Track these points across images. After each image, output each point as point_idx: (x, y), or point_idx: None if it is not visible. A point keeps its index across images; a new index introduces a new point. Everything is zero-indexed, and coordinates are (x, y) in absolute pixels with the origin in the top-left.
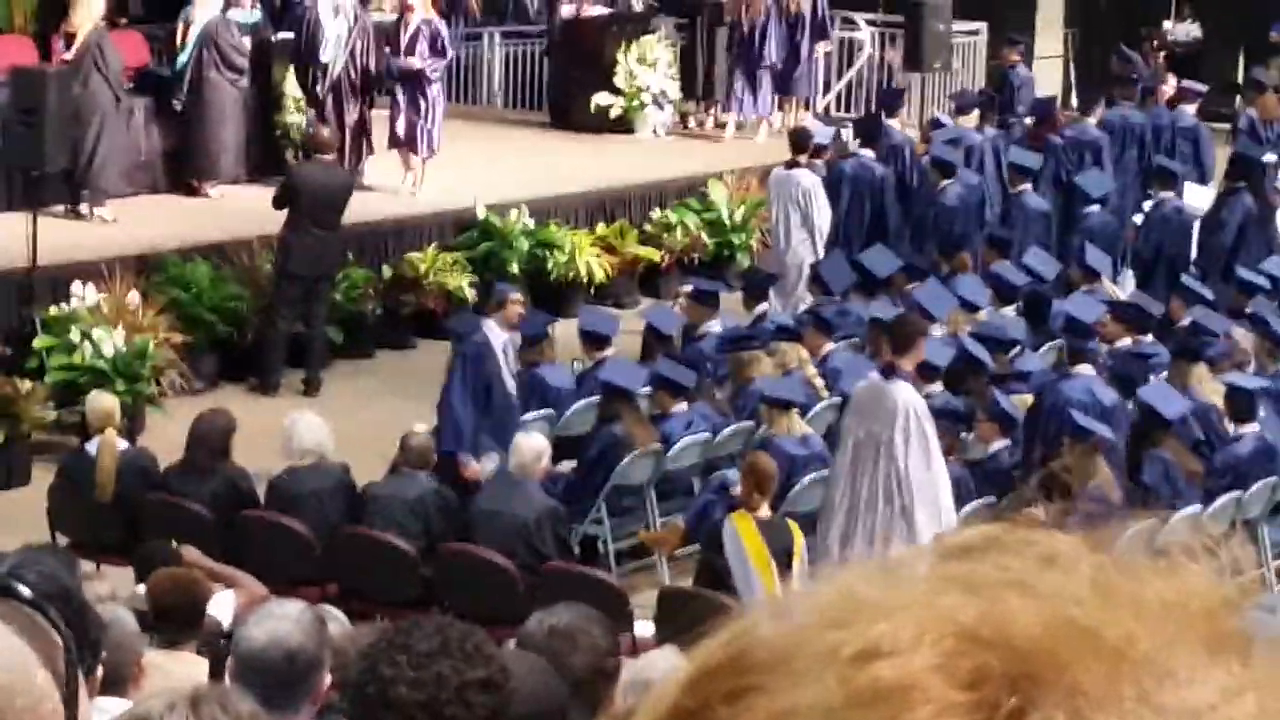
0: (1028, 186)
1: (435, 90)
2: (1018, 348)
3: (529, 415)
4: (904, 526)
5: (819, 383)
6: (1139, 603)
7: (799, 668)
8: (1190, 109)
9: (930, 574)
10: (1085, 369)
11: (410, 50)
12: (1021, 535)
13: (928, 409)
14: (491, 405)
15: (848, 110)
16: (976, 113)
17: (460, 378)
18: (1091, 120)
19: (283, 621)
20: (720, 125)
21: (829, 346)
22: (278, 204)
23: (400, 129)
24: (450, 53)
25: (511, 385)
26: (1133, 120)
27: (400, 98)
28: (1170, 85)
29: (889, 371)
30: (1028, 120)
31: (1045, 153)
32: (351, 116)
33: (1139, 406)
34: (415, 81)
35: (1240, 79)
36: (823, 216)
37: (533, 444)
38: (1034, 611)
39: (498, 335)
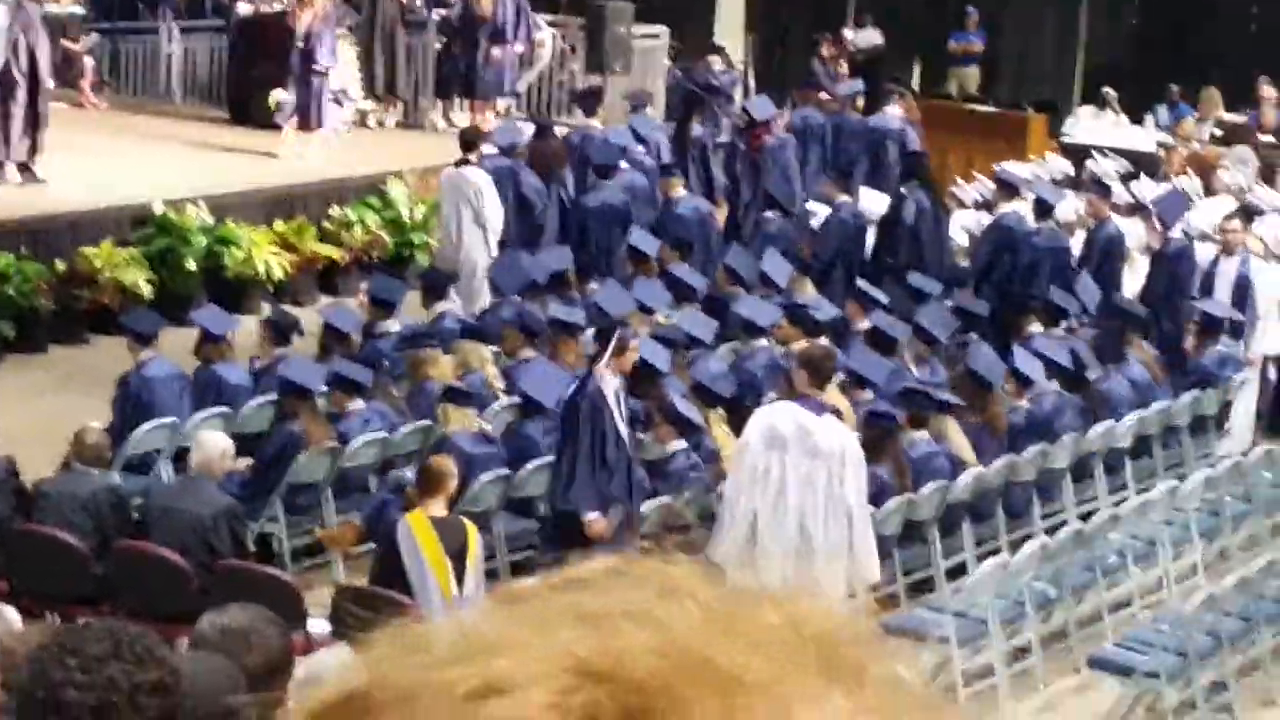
0: (681, 191)
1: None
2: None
3: (203, 413)
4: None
5: (499, 383)
6: (754, 632)
7: (417, 706)
8: (896, 111)
9: (550, 608)
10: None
11: None
12: (640, 566)
13: (859, 450)
14: (605, 457)
15: (536, 110)
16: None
17: (574, 431)
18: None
19: None
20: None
21: (528, 352)
22: None
23: None
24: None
25: (625, 434)
26: (817, 122)
27: None
28: (847, 87)
29: (818, 407)
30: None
31: (760, 155)
32: (17, 110)
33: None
34: None
35: (917, 87)
36: (494, 215)
37: (217, 442)
38: (650, 644)
39: (610, 384)
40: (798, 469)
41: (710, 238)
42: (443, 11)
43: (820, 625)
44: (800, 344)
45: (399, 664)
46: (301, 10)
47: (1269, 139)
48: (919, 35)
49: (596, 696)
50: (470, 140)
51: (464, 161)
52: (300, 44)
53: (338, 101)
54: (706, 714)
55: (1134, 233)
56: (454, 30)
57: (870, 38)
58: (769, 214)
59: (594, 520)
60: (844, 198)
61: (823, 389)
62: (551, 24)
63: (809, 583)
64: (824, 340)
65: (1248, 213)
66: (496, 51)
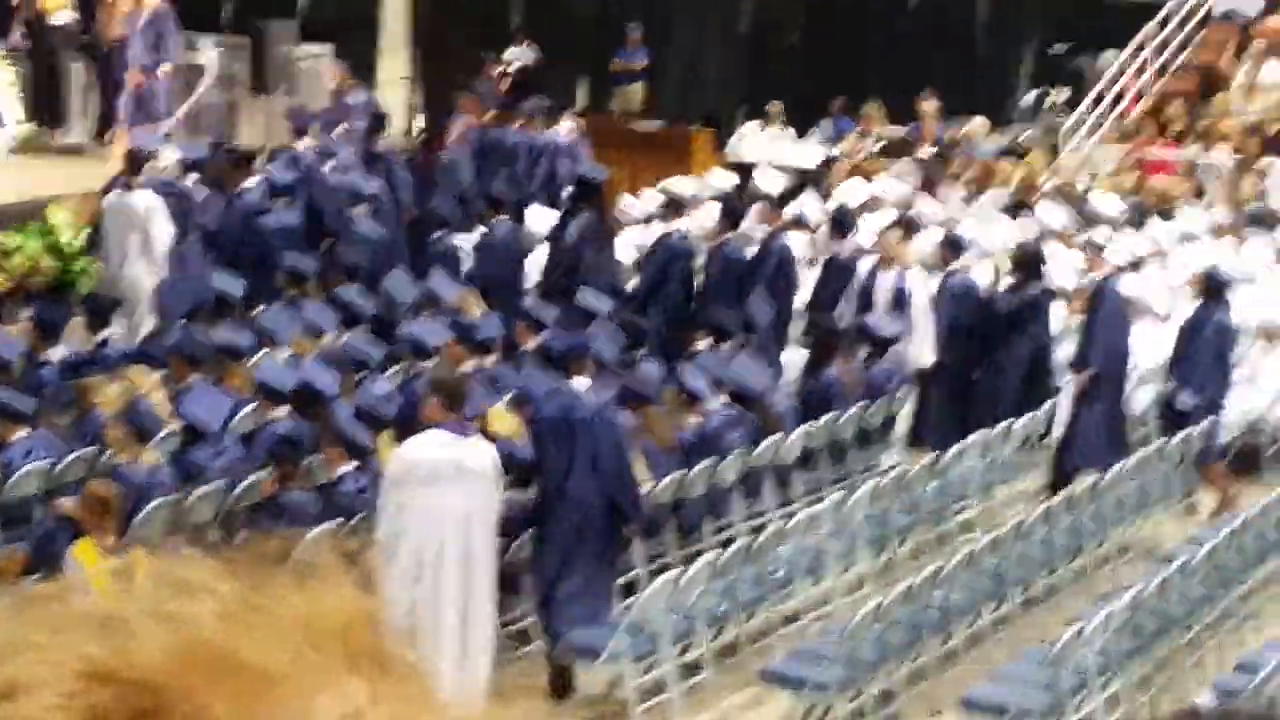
0: (361, 210)
1: None
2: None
3: None
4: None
5: (166, 408)
6: (276, 625)
7: None
8: (566, 126)
9: (65, 611)
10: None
11: None
12: (157, 565)
13: (499, 466)
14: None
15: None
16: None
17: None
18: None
19: None
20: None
21: (193, 377)
22: None
23: None
24: None
25: None
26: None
27: None
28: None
29: (460, 429)
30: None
31: (432, 170)
32: None
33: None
34: None
35: (587, 104)
36: (161, 239)
37: None
38: (164, 642)
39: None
40: (454, 497)
41: (378, 258)
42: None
43: (344, 617)
44: (469, 364)
45: None
46: None
47: (930, 152)
48: (583, 53)
49: (103, 698)
50: (136, 163)
51: (129, 185)
52: None
53: None
54: (224, 707)
55: (798, 246)
56: (100, 53)
57: (523, 54)
58: (438, 233)
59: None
60: (501, 217)
61: (458, 412)
62: (216, 45)
63: (478, 609)
64: (492, 359)
65: (910, 225)
66: (138, 75)
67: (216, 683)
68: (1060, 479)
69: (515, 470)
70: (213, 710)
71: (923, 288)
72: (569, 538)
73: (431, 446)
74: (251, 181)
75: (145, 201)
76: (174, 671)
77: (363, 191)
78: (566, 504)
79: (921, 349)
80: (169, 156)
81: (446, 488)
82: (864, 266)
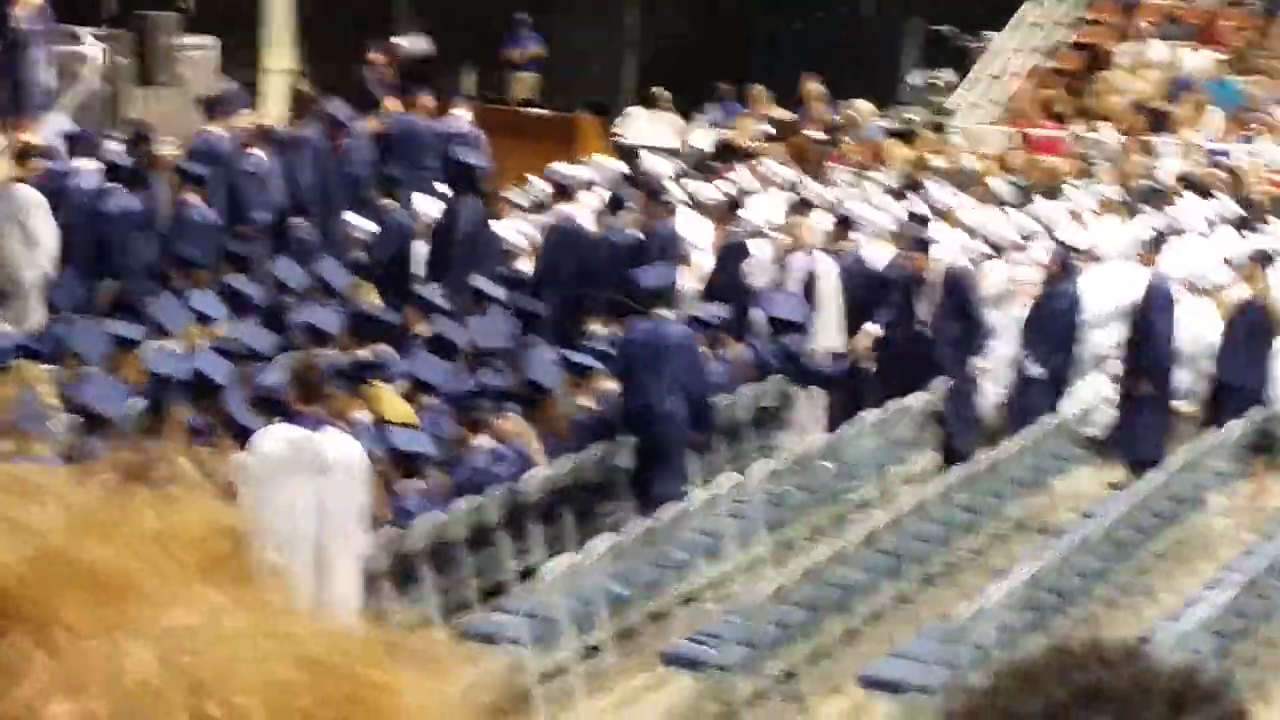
0: (196, 198)
1: None
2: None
3: None
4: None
5: (53, 401)
6: (127, 531)
7: None
8: (464, 114)
9: None
10: None
11: None
12: (4, 470)
13: (365, 458)
14: None
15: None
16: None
17: None
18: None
19: None
20: None
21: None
22: None
23: None
24: None
25: None
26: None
27: None
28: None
29: (314, 423)
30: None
31: (343, 158)
32: None
33: None
34: None
35: (475, 92)
36: (45, 233)
37: None
38: (9, 546)
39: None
40: (308, 490)
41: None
42: None
43: (203, 528)
44: (361, 351)
45: None
46: None
47: (819, 134)
48: (469, 42)
49: None
50: (22, 156)
51: (18, 179)
52: None
53: None
54: (74, 613)
55: (689, 230)
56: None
57: (418, 44)
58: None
59: None
60: (390, 203)
61: (315, 402)
62: (99, 38)
63: (333, 598)
64: (383, 346)
65: (805, 207)
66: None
67: (66, 589)
68: (950, 456)
69: (402, 459)
70: (63, 616)
71: (831, 270)
72: (656, 442)
73: (287, 439)
74: (92, 166)
75: (27, 195)
76: (21, 576)
77: (197, 175)
78: (654, 415)
79: (828, 331)
80: (57, 140)
81: (302, 481)
82: (765, 250)
